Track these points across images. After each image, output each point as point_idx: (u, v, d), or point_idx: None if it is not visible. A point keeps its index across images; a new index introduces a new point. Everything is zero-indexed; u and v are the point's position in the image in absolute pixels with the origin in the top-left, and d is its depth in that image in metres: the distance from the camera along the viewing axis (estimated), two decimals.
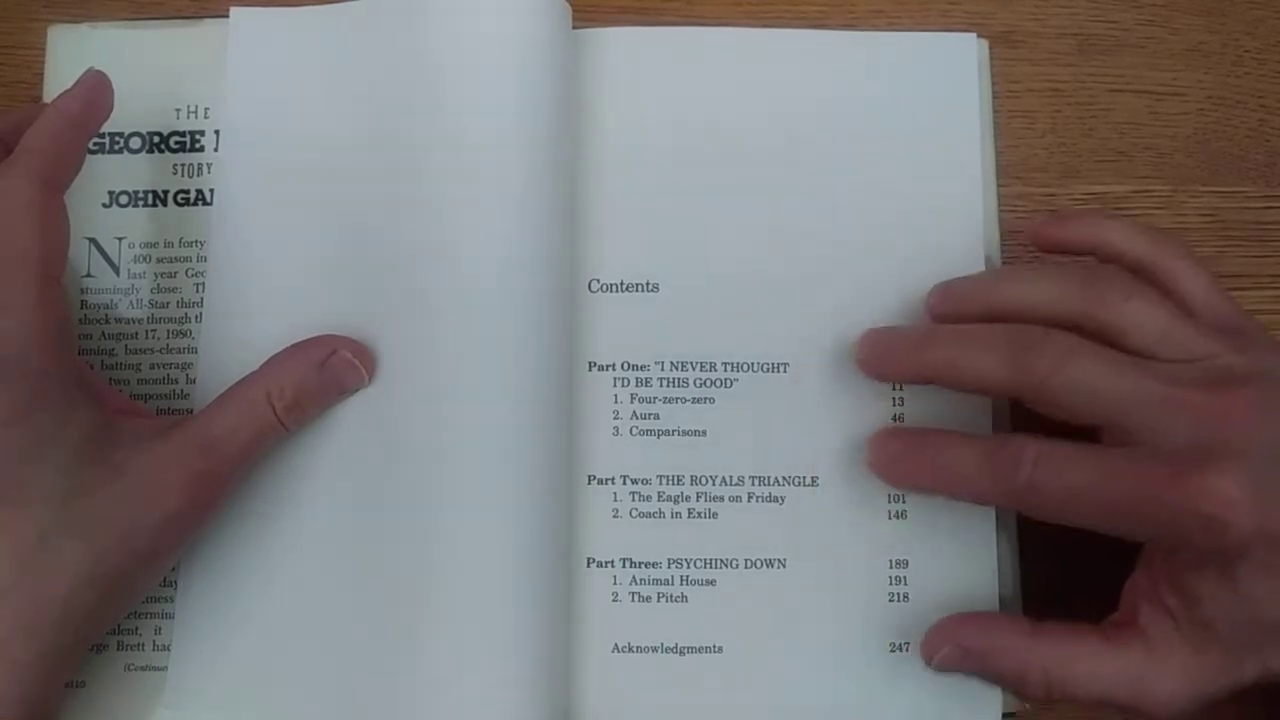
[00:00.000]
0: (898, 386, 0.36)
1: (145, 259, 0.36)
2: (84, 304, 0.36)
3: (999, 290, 0.32)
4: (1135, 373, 0.29)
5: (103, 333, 0.36)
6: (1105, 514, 0.29)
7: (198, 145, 0.36)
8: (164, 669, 0.33)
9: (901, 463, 0.33)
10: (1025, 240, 0.37)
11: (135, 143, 0.37)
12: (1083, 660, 0.30)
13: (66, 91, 0.32)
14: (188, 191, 0.36)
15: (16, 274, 0.28)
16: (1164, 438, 0.28)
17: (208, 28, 0.37)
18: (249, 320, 0.35)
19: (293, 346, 0.32)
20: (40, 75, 0.37)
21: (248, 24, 0.37)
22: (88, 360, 0.35)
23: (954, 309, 0.33)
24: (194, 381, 0.35)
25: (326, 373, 0.32)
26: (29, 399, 0.28)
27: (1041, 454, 0.29)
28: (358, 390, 0.33)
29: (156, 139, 0.37)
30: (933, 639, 0.32)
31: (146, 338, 0.35)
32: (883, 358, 0.33)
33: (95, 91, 0.32)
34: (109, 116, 0.32)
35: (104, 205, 0.36)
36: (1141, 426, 0.28)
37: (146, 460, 0.29)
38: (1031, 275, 0.32)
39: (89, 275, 0.36)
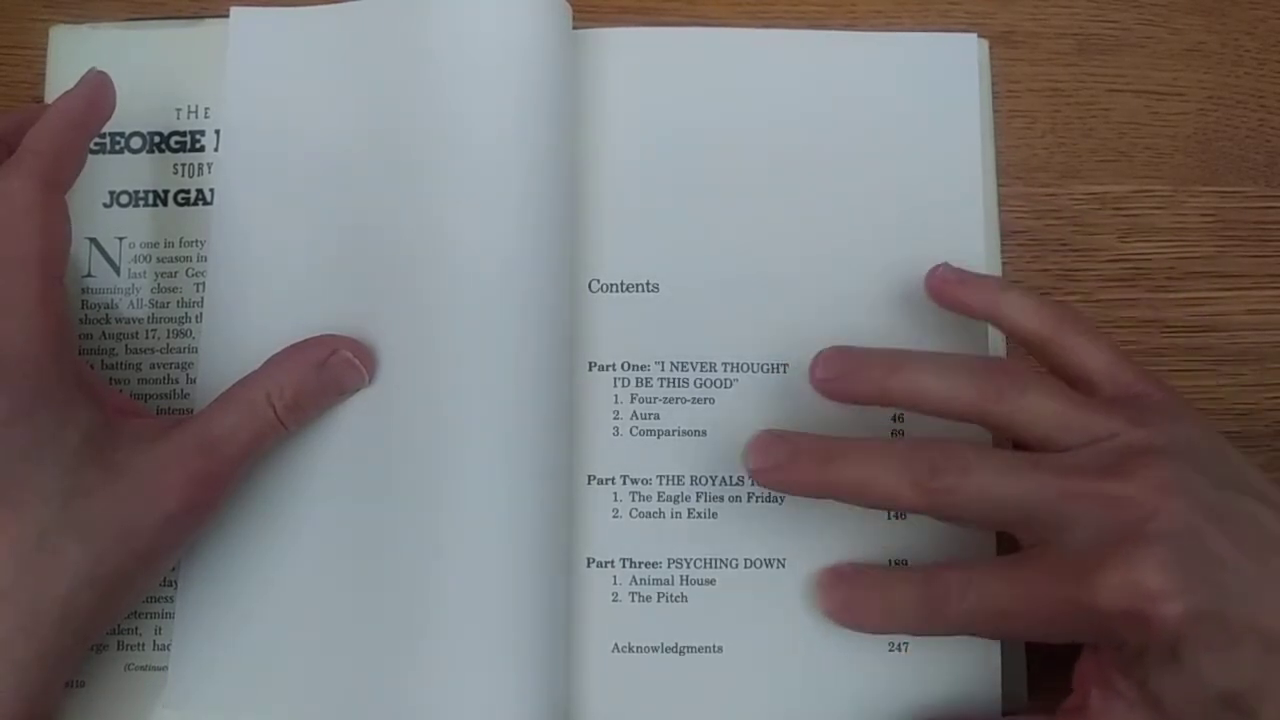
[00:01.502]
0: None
1: (146, 259, 0.36)
2: (84, 304, 0.36)
3: (896, 378, 0.31)
4: (1032, 472, 0.28)
5: (103, 332, 0.36)
6: (1039, 632, 0.29)
7: (198, 145, 0.36)
8: (164, 669, 0.33)
9: (850, 605, 0.32)
10: (1024, 240, 0.38)
11: (136, 142, 0.37)
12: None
13: (69, 92, 0.32)
14: (188, 191, 0.36)
15: (18, 274, 0.28)
16: (1071, 534, 0.28)
17: (208, 28, 0.37)
18: (249, 320, 0.35)
19: (292, 346, 0.32)
20: (41, 75, 0.37)
21: (248, 24, 0.37)
22: (88, 360, 0.35)
23: (846, 388, 0.31)
24: (194, 381, 0.35)
25: (326, 373, 0.32)
26: (30, 399, 0.28)
27: (969, 581, 0.29)
28: (358, 390, 0.33)
29: (157, 139, 0.37)
30: None
31: (147, 337, 0.36)
32: (790, 469, 0.31)
33: (97, 92, 0.32)
34: (111, 117, 0.32)
35: (105, 205, 0.36)
36: (1047, 526, 0.28)
37: (146, 460, 0.29)
38: (931, 365, 0.31)
39: (89, 275, 0.36)
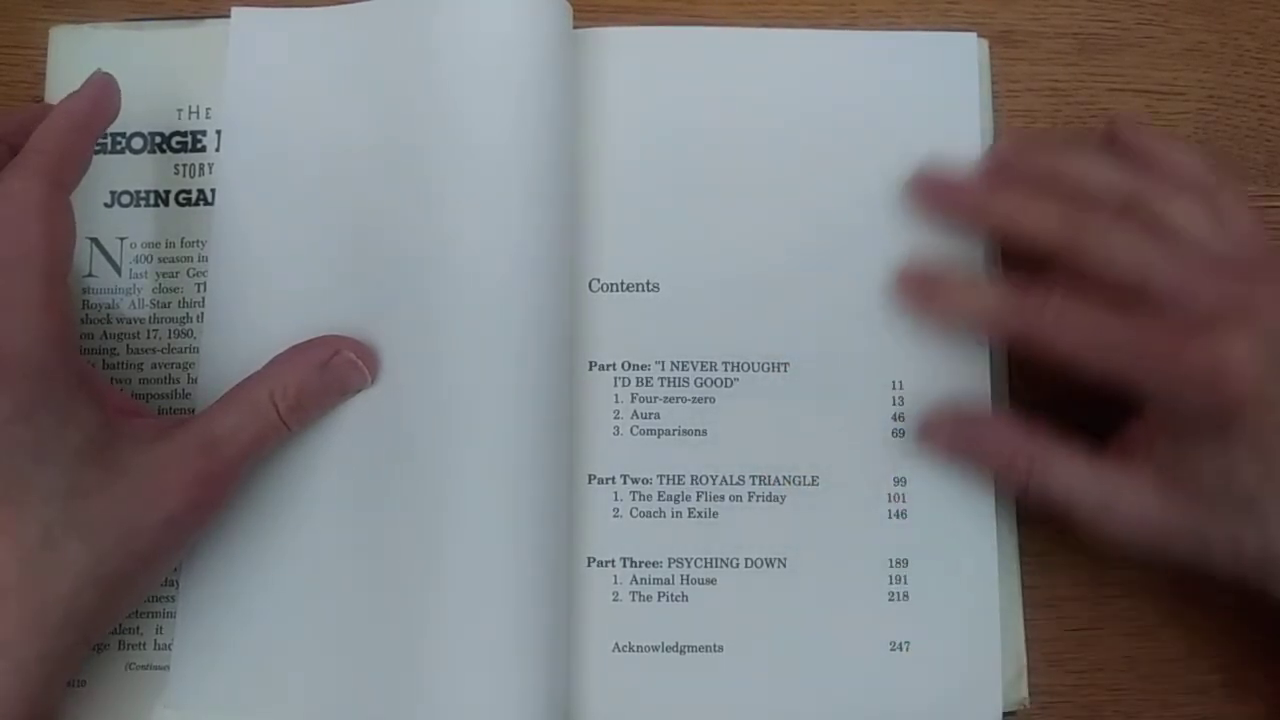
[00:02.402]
0: (898, 385, 0.36)
1: (147, 259, 0.36)
2: (86, 304, 0.36)
3: (1061, 160, 0.34)
4: (1175, 249, 0.31)
5: (104, 332, 0.36)
6: (1116, 361, 0.31)
7: (199, 145, 0.36)
8: (165, 668, 0.33)
9: (930, 295, 0.35)
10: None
11: (137, 143, 0.37)
12: (1067, 463, 0.32)
13: (74, 93, 0.32)
14: (189, 191, 0.36)
15: (23, 274, 0.28)
16: (1187, 311, 0.30)
17: (209, 28, 0.37)
18: (250, 320, 0.35)
19: (295, 347, 0.33)
20: (41, 75, 0.37)
21: (248, 24, 0.37)
22: (90, 360, 0.35)
23: (948, 198, 0.35)
24: (195, 381, 0.35)
25: (329, 373, 0.32)
26: (33, 398, 0.28)
27: (1060, 297, 0.31)
28: (360, 390, 0.33)
29: (158, 139, 0.37)
30: (933, 420, 0.35)
31: (148, 337, 0.36)
32: (952, 192, 0.35)
33: (102, 93, 0.32)
34: (116, 118, 0.32)
35: (106, 205, 0.36)
36: (1164, 297, 0.30)
37: (148, 461, 0.29)
38: (1091, 158, 0.34)
39: (91, 275, 0.36)
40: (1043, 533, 0.36)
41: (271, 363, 0.32)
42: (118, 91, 0.32)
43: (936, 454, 0.35)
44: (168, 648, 0.33)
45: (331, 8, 0.36)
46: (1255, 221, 0.33)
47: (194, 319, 0.36)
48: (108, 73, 0.32)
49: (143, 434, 0.30)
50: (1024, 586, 0.35)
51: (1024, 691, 0.35)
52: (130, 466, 0.29)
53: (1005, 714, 0.34)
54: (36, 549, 0.27)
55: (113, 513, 0.28)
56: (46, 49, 0.37)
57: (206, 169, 0.36)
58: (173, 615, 0.33)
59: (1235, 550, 0.30)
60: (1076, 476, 0.32)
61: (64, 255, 0.30)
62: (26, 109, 0.34)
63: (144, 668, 0.34)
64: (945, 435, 0.35)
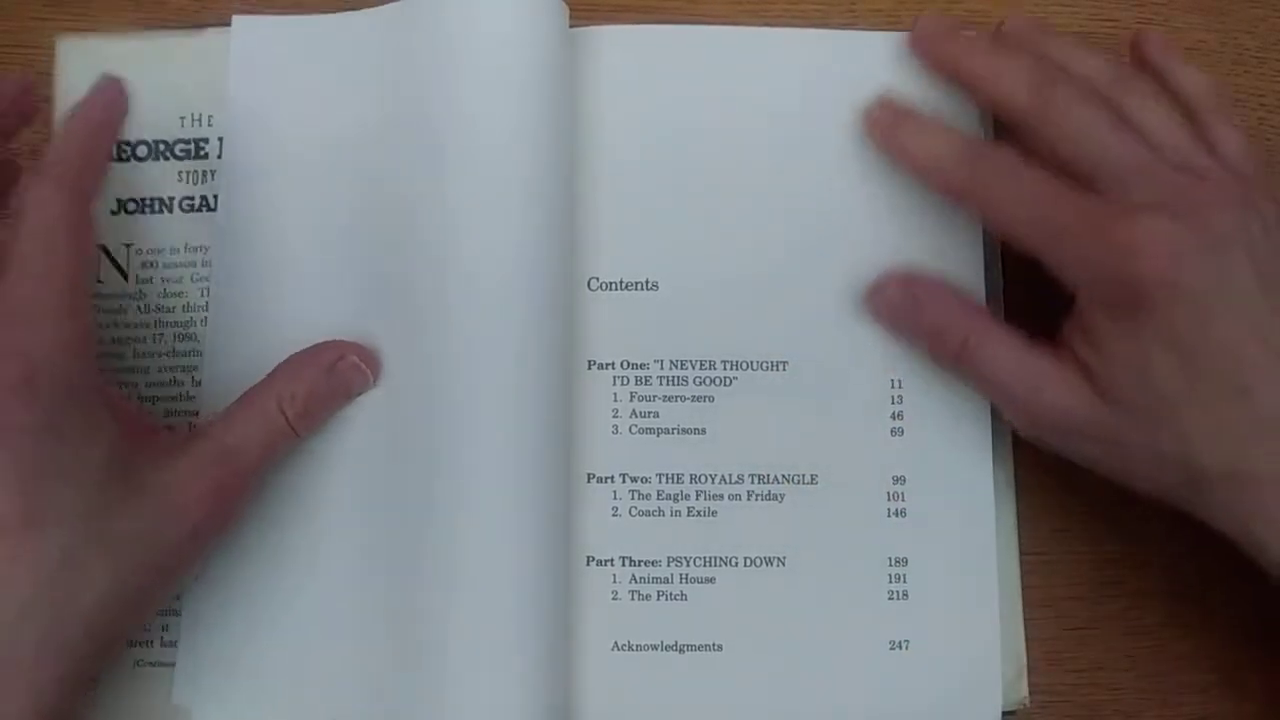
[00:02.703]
0: (897, 384, 0.36)
1: (152, 265, 0.36)
2: (95, 309, 0.36)
3: (1058, 43, 0.34)
4: (1135, 142, 0.31)
5: (112, 338, 0.36)
6: (1042, 233, 0.31)
7: (202, 152, 0.37)
8: (171, 665, 0.34)
9: (891, 132, 0.35)
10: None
11: (142, 151, 0.37)
12: (1001, 343, 0.33)
13: (85, 100, 0.32)
14: (193, 198, 0.37)
15: (47, 284, 0.28)
16: (1127, 198, 0.30)
17: (211, 36, 0.37)
18: (253, 324, 0.35)
19: (301, 353, 0.33)
20: (41, 74, 0.37)
21: (249, 32, 0.37)
22: (99, 363, 0.36)
23: (931, 50, 0.36)
24: (199, 384, 0.35)
25: (335, 377, 0.33)
26: (60, 412, 0.27)
27: (1013, 160, 0.32)
28: (363, 392, 0.34)
29: (162, 146, 0.37)
30: (879, 283, 0.35)
31: (154, 342, 0.36)
32: (942, 44, 0.35)
33: (113, 96, 0.32)
34: (126, 117, 0.33)
35: (113, 213, 0.37)
36: (1112, 180, 0.31)
37: (167, 477, 0.29)
38: (1079, 48, 0.34)
39: (99, 282, 0.36)
40: (1043, 532, 0.36)
41: (277, 370, 0.32)
42: (125, 92, 0.32)
43: (879, 319, 0.35)
44: (174, 645, 0.34)
45: (331, 15, 0.37)
46: (1245, 152, 0.32)
47: (198, 323, 0.36)
48: (115, 75, 0.32)
49: (158, 448, 0.30)
50: (1024, 586, 0.35)
51: (1024, 691, 0.35)
52: (149, 483, 0.29)
53: (1005, 713, 0.34)
54: (57, 569, 0.27)
55: (134, 530, 0.28)
56: (45, 48, 0.37)
57: (209, 175, 0.37)
58: (178, 613, 0.34)
59: (1155, 461, 0.30)
60: (1008, 359, 0.32)
61: (88, 267, 0.29)
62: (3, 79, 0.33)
63: (151, 664, 0.34)
64: (888, 301, 0.35)
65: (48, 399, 0.27)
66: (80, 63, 0.37)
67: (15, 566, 0.26)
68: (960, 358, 0.33)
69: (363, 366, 0.33)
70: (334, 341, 0.33)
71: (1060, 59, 0.33)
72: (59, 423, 0.27)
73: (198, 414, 0.35)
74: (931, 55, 0.36)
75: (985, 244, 0.36)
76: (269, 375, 0.32)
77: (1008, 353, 0.32)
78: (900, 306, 0.35)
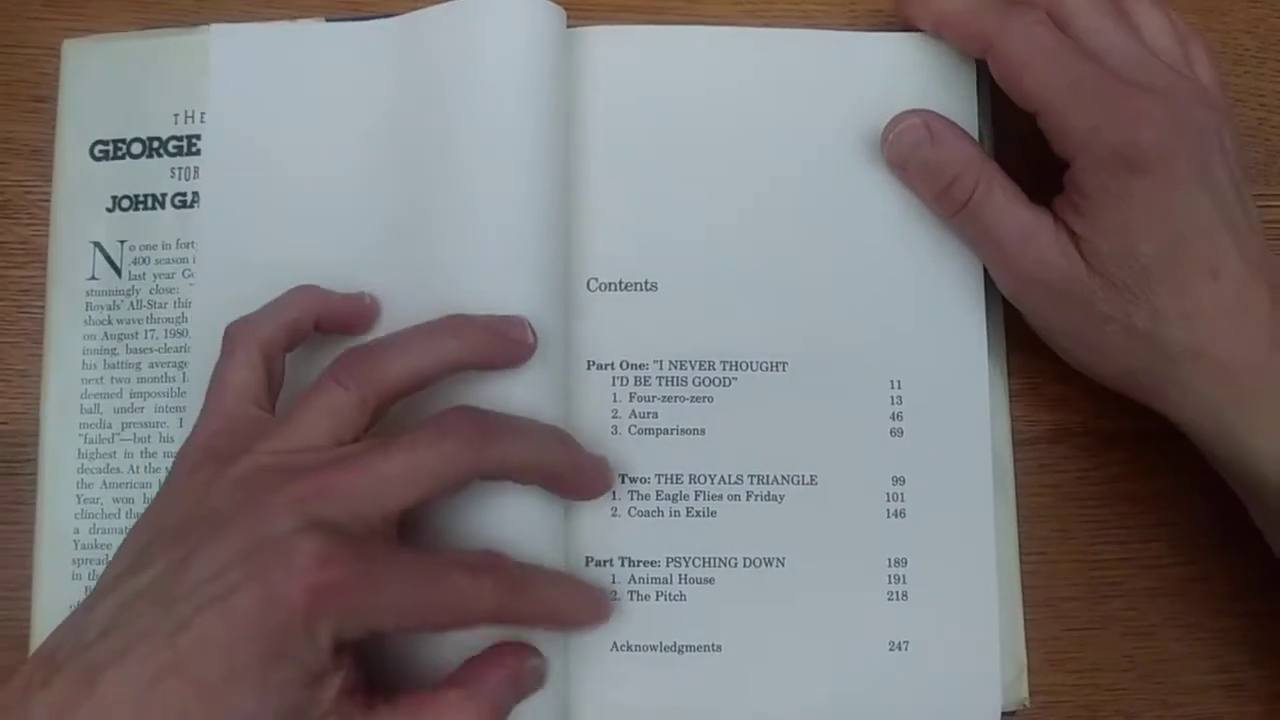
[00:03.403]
0: (896, 384, 0.36)
1: (144, 260, 0.36)
2: (89, 305, 0.36)
3: None
4: (1132, 34, 0.33)
5: (105, 333, 0.36)
6: (1057, 87, 0.32)
7: (194, 149, 0.37)
8: None
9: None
10: None
11: (136, 148, 0.37)
12: (1005, 195, 0.33)
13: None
14: (184, 194, 0.36)
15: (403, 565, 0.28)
16: (1131, 76, 0.32)
17: (203, 35, 0.37)
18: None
19: (490, 660, 0.30)
20: (41, 75, 0.38)
21: (228, 40, 0.37)
22: (94, 360, 0.36)
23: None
24: (189, 380, 0.35)
25: (519, 687, 0.30)
26: (287, 678, 0.26)
27: (1036, 15, 0.33)
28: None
29: (155, 143, 0.37)
30: (897, 116, 0.35)
31: (146, 337, 0.36)
32: None
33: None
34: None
35: (107, 209, 0.37)
36: (1118, 62, 0.32)
37: None
38: None
39: (93, 278, 0.36)
40: (1042, 532, 0.36)
41: (465, 679, 0.29)
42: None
43: (893, 156, 0.36)
44: None
45: (315, 23, 0.37)
46: (1217, 79, 0.34)
47: (188, 319, 0.36)
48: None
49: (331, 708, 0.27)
50: (1024, 586, 0.35)
51: (1024, 691, 0.35)
52: None
53: (1005, 714, 0.34)
54: None
55: None
56: (46, 48, 0.38)
57: (200, 172, 0.37)
58: None
59: (1126, 335, 0.32)
60: (1010, 207, 0.33)
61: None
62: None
63: None
64: (903, 132, 0.35)
65: (306, 642, 0.26)
66: (84, 64, 0.37)
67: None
68: (968, 206, 0.34)
69: (543, 670, 0.31)
70: (518, 646, 0.31)
71: None
72: (294, 656, 0.26)
73: (186, 410, 0.35)
74: None
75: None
76: (457, 679, 0.29)
77: (1009, 205, 0.33)
78: (915, 142, 0.35)
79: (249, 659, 0.25)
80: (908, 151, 0.35)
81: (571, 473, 0.32)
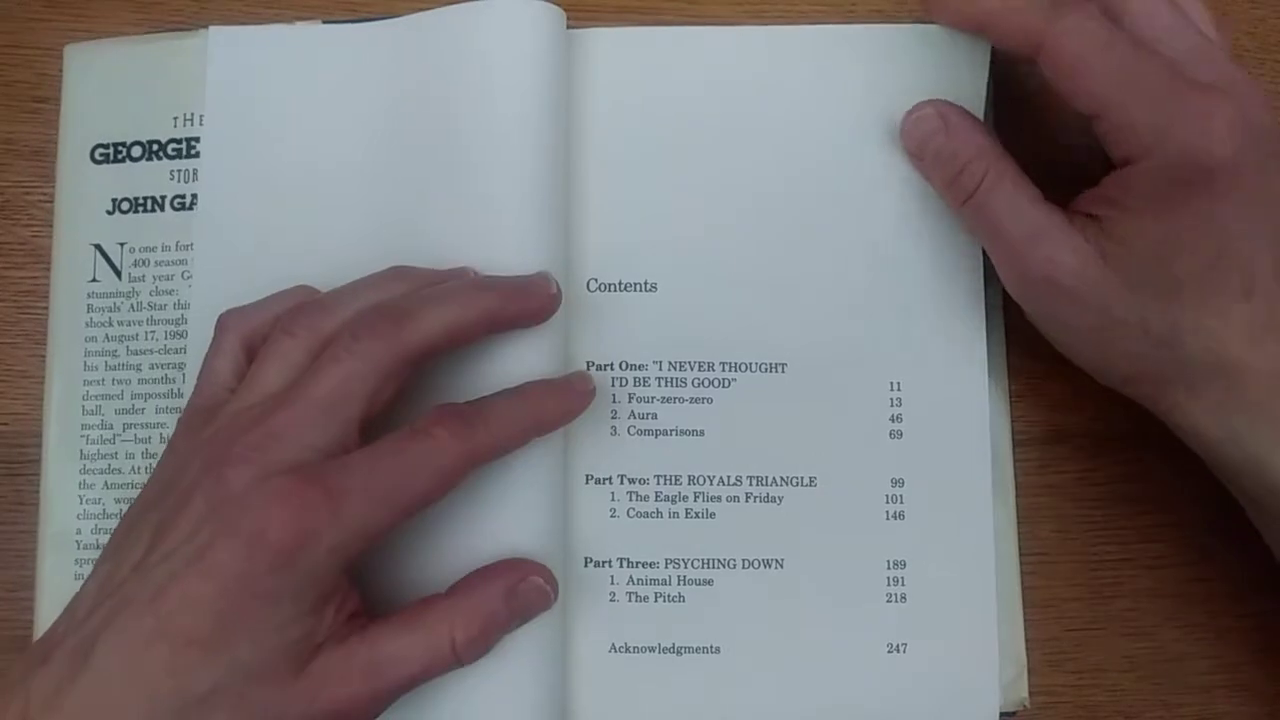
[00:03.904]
0: (896, 386, 0.36)
1: (144, 263, 0.36)
2: (90, 308, 0.36)
3: None
4: (1190, 23, 0.31)
5: (106, 335, 0.36)
6: (1116, 83, 0.30)
7: (193, 152, 0.37)
8: None
9: None
10: None
11: (136, 151, 0.37)
12: (1015, 188, 0.32)
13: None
14: (184, 196, 0.37)
15: (389, 484, 0.28)
16: (1188, 72, 0.30)
17: (202, 37, 0.37)
18: None
19: (483, 571, 0.31)
20: (42, 75, 0.38)
21: (226, 42, 0.37)
22: (94, 361, 0.36)
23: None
24: (189, 381, 0.35)
25: (516, 600, 0.31)
26: (290, 589, 0.26)
27: (1092, 10, 0.31)
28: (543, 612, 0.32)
29: (155, 146, 0.37)
30: (918, 104, 0.35)
31: (146, 339, 0.36)
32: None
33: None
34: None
35: (108, 212, 0.37)
36: (1175, 51, 0.30)
37: (317, 665, 0.27)
38: None
39: (94, 280, 0.36)
40: (1043, 533, 0.36)
41: (457, 587, 0.30)
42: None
43: (908, 141, 0.35)
44: None
45: (314, 25, 0.37)
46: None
47: (188, 320, 0.36)
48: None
49: (330, 634, 0.28)
50: (1024, 586, 0.35)
51: (1024, 692, 0.35)
52: (312, 669, 0.27)
53: (1005, 714, 0.34)
54: (193, 703, 0.26)
55: (276, 704, 0.27)
56: (46, 49, 0.38)
57: (198, 174, 0.37)
58: None
59: (1140, 339, 0.31)
60: (1018, 200, 0.32)
61: (422, 504, 0.29)
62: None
63: None
64: (918, 119, 0.35)
65: (293, 578, 0.26)
66: (86, 68, 0.37)
67: (169, 680, 0.26)
68: (974, 195, 0.33)
69: (545, 587, 0.31)
70: (518, 561, 0.31)
71: None
72: (284, 595, 0.26)
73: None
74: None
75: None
76: (449, 592, 0.30)
77: (1018, 199, 0.32)
78: (929, 129, 0.34)
79: (237, 608, 0.26)
80: (924, 139, 0.35)
81: (565, 418, 0.32)
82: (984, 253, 0.36)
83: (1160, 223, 0.30)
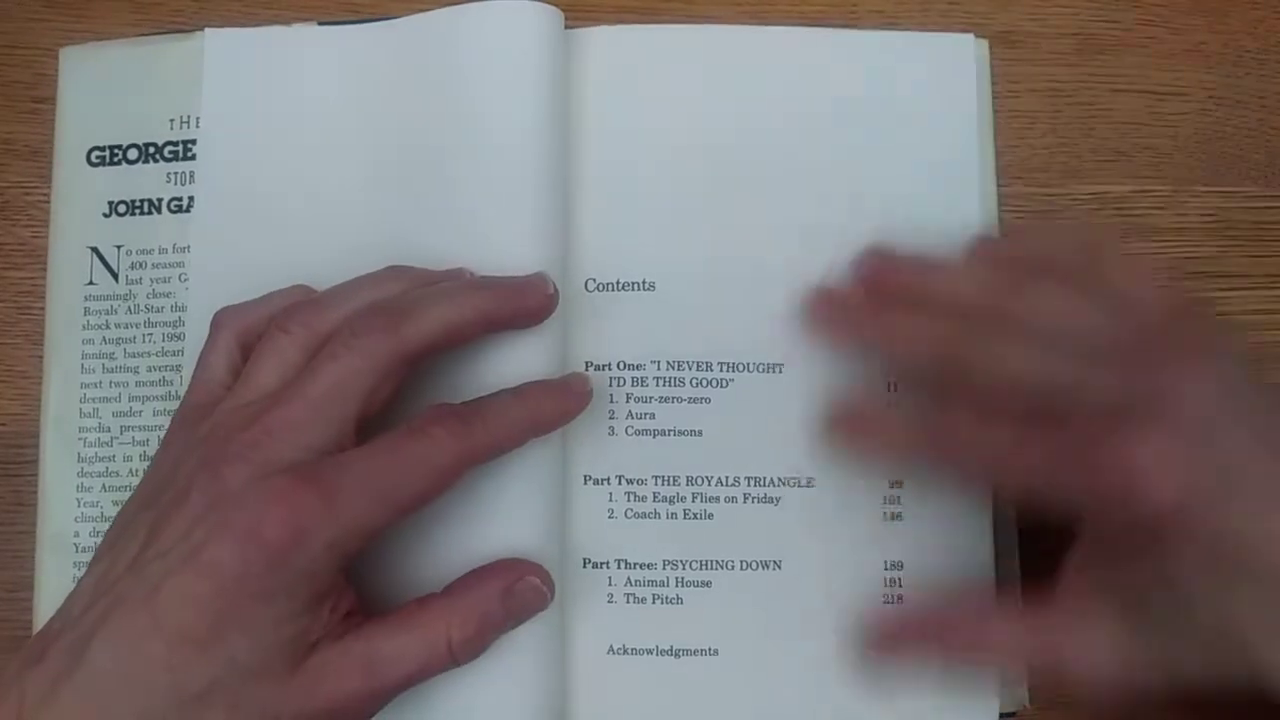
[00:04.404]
0: (892, 387, 0.36)
1: (141, 265, 0.36)
2: (87, 310, 0.36)
3: (930, 276, 0.32)
4: (1062, 346, 0.29)
5: (103, 338, 0.36)
6: (1030, 480, 0.29)
7: (189, 154, 0.37)
8: None
9: (849, 434, 0.34)
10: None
11: (132, 154, 0.37)
12: (1002, 629, 0.30)
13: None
14: (180, 199, 0.37)
15: (385, 480, 0.28)
16: (1090, 410, 0.28)
17: (197, 40, 0.37)
18: None
19: (479, 571, 0.31)
20: (40, 76, 0.38)
21: (222, 45, 0.37)
22: (92, 364, 0.36)
23: (884, 278, 0.34)
24: (186, 384, 0.35)
25: (512, 600, 0.31)
26: (285, 585, 0.26)
27: (968, 419, 0.30)
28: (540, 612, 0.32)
29: (151, 149, 0.37)
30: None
31: (144, 341, 0.36)
32: (832, 314, 0.34)
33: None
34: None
35: (104, 215, 0.37)
36: (1066, 399, 0.28)
37: (313, 662, 0.27)
38: (962, 271, 0.32)
39: (91, 283, 0.36)
40: (1042, 533, 0.36)
41: (454, 586, 0.30)
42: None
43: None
44: None
45: (306, 27, 0.37)
46: (1148, 284, 0.30)
47: (185, 323, 0.36)
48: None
49: (329, 628, 0.28)
50: (1024, 587, 0.35)
51: (1024, 692, 0.34)
52: (309, 664, 0.27)
53: (1006, 715, 0.34)
54: (189, 701, 0.26)
55: (264, 697, 0.27)
56: (46, 50, 0.38)
57: (195, 177, 0.37)
58: None
59: (1218, 671, 0.26)
60: (1013, 639, 0.30)
61: (419, 504, 0.29)
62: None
63: None
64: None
65: (288, 576, 0.26)
66: (82, 71, 0.37)
67: (164, 677, 0.26)
68: (969, 658, 0.31)
69: (542, 588, 0.31)
70: (515, 561, 0.31)
71: (945, 291, 0.32)
72: (279, 593, 0.26)
73: None
74: (831, 333, 0.35)
75: None
76: (446, 591, 0.30)
77: (1010, 635, 0.30)
78: (898, 638, 0.32)
79: (233, 606, 0.26)
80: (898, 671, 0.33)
81: (563, 419, 0.32)
82: None
83: (1150, 575, 0.27)
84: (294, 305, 0.31)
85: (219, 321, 0.32)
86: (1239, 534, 0.25)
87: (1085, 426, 0.27)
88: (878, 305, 0.33)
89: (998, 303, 0.30)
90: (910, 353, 0.32)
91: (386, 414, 0.30)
